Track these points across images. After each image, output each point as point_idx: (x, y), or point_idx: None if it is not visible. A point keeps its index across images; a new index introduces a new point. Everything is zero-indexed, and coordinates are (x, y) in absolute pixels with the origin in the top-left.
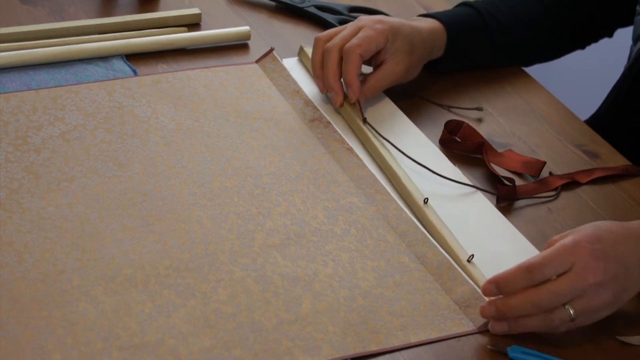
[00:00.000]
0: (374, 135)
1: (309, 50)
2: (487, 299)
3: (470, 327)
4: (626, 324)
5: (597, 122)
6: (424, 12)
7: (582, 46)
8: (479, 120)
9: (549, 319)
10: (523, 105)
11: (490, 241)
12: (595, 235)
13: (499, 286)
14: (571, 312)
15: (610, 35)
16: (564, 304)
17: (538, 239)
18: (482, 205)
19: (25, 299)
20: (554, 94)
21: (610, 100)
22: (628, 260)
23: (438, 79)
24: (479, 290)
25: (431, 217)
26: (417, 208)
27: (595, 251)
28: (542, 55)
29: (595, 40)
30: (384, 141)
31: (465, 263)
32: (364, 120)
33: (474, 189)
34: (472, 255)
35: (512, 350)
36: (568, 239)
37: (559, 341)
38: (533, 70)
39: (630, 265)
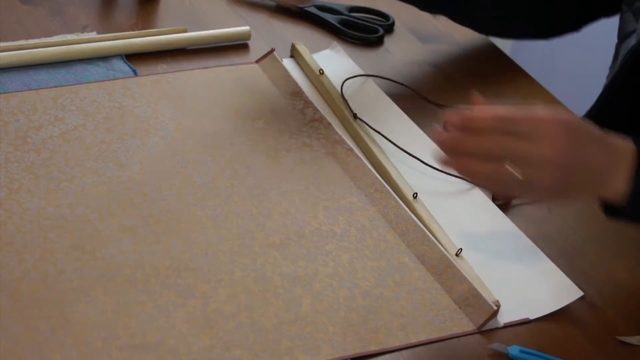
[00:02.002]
0: (365, 131)
1: (301, 48)
2: (486, 298)
3: (470, 327)
4: (626, 324)
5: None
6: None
7: (576, 26)
8: None
9: (495, 172)
10: (523, 106)
11: (488, 237)
12: (577, 124)
13: (466, 119)
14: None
15: (609, 14)
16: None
17: (538, 239)
18: (480, 201)
19: (25, 299)
20: (554, 94)
21: (602, 100)
22: (587, 160)
23: (437, 79)
24: (478, 289)
25: (420, 211)
26: (406, 203)
27: (570, 137)
28: (529, 29)
29: (592, 18)
30: (377, 137)
31: (454, 257)
32: (355, 116)
33: (471, 186)
34: (461, 249)
35: (512, 350)
36: (556, 113)
37: (559, 341)
38: (533, 71)
39: (586, 165)
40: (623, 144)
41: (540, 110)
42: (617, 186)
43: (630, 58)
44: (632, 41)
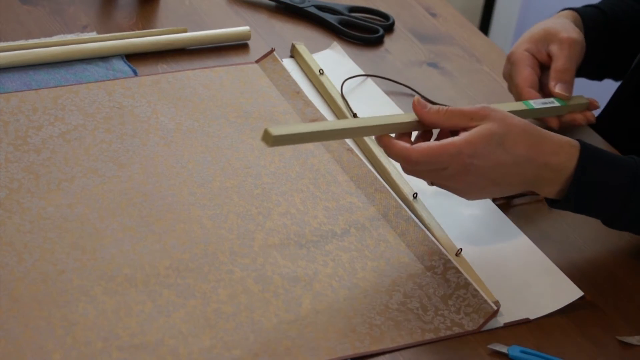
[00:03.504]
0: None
1: (301, 48)
2: (486, 297)
3: (470, 327)
4: (626, 324)
5: (598, 125)
6: (425, 12)
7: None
8: None
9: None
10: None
11: (488, 237)
12: (487, 144)
13: (403, 156)
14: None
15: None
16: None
17: (538, 239)
18: (479, 201)
19: (25, 299)
20: None
21: (612, 105)
22: (518, 155)
23: (437, 79)
24: (478, 289)
25: (420, 211)
26: (406, 203)
27: (498, 158)
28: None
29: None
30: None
31: (454, 257)
32: (355, 116)
33: None
34: (461, 249)
35: (512, 350)
36: (470, 139)
37: (559, 341)
38: None
39: (508, 179)
40: (559, 157)
41: (457, 140)
42: (549, 191)
43: None
44: None
